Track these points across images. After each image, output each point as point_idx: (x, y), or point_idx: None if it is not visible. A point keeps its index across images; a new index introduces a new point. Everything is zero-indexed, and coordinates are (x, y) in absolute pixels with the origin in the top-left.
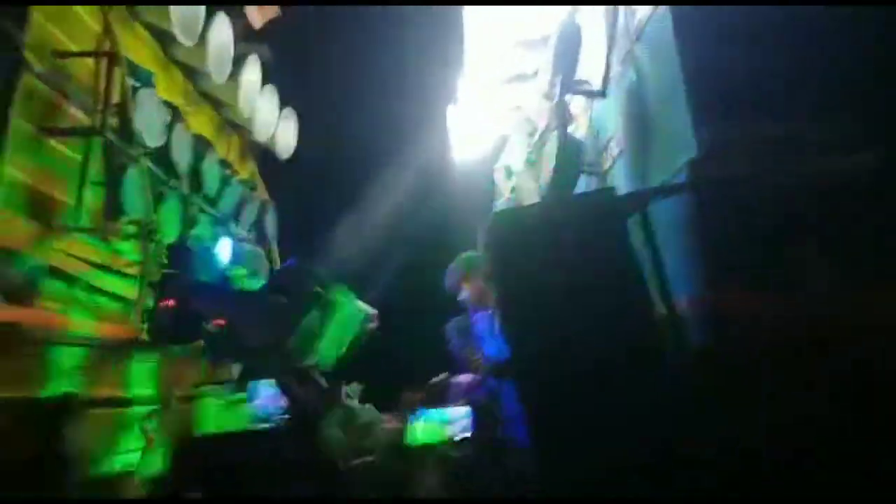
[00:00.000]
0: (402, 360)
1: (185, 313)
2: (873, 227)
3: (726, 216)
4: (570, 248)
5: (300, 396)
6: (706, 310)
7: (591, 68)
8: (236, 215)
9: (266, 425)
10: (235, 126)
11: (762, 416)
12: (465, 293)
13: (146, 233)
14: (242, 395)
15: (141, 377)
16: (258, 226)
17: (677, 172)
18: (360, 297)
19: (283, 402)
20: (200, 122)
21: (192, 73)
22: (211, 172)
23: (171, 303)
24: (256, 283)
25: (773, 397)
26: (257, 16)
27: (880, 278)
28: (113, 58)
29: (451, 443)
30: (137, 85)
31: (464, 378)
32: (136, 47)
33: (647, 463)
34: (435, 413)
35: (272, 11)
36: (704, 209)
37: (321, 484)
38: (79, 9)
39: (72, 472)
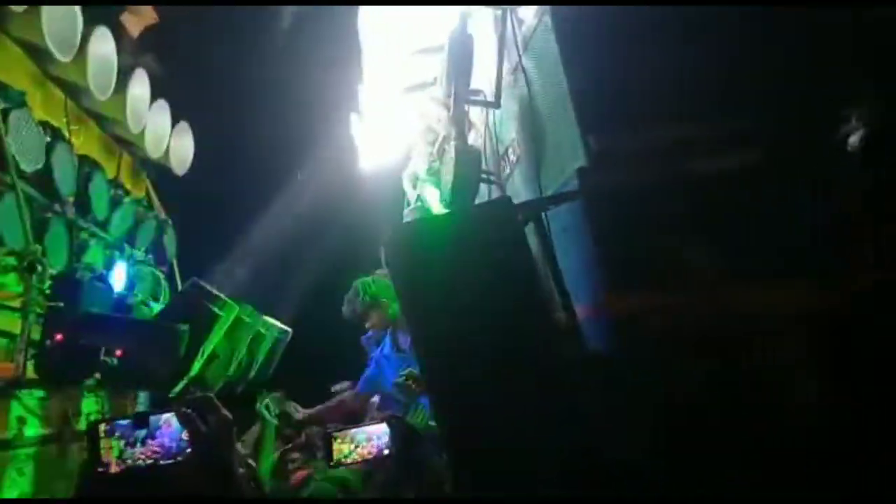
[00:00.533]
0: (319, 379)
1: (76, 347)
2: (756, 223)
3: (615, 221)
4: (471, 258)
5: (201, 429)
6: (601, 315)
7: (485, 77)
8: (131, 237)
9: (168, 461)
10: (125, 143)
11: (654, 417)
12: (370, 321)
13: (27, 264)
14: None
15: (29, 416)
16: (156, 247)
17: (568, 180)
18: (271, 315)
19: (184, 436)
20: (86, 141)
21: (72, 90)
22: (99, 194)
23: (59, 337)
24: (155, 309)
25: (665, 397)
26: (133, 23)
27: (765, 271)
28: None
29: (374, 461)
30: (8, 106)
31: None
32: (6, 65)
33: (554, 470)
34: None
35: (149, 17)
36: (594, 216)
37: None
38: None
39: None
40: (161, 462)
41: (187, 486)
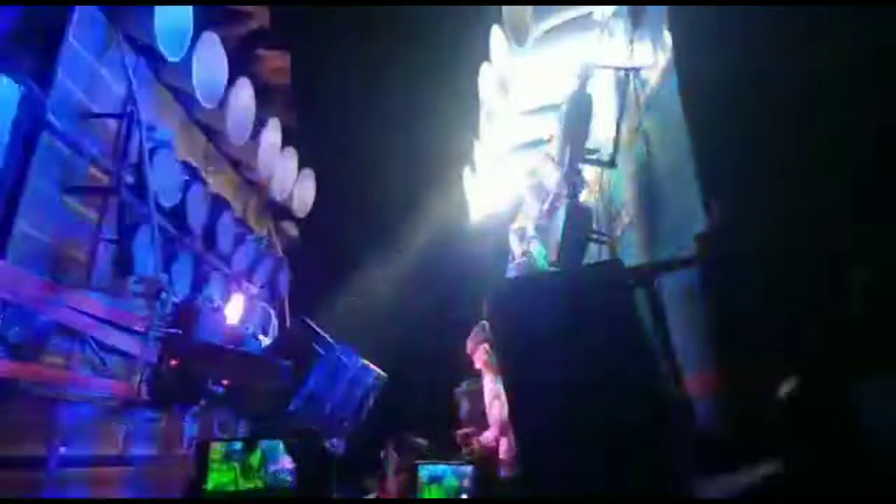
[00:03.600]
0: (413, 419)
1: (188, 374)
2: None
3: (735, 292)
4: (576, 319)
5: (303, 459)
6: (715, 387)
7: (602, 137)
8: (249, 273)
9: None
10: (254, 185)
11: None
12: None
13: (154, 291)
14: (253, 454)
15: (138, 436)
16: (271, 283)
17: (684, 246)
18: (370, 359)
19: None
20: (219, 181)
21: (212, 134)
22: (226, 231)
23: (174, 362)
24: (263, 342)
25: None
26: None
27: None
28: (132, 119)
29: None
30: (155, 146)
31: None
32: (159, 108)
33: None
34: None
35: (283, 73)
36: (713, 285)
37: None
38: (105, 71)
39: None
40: (266, 493)
41: None
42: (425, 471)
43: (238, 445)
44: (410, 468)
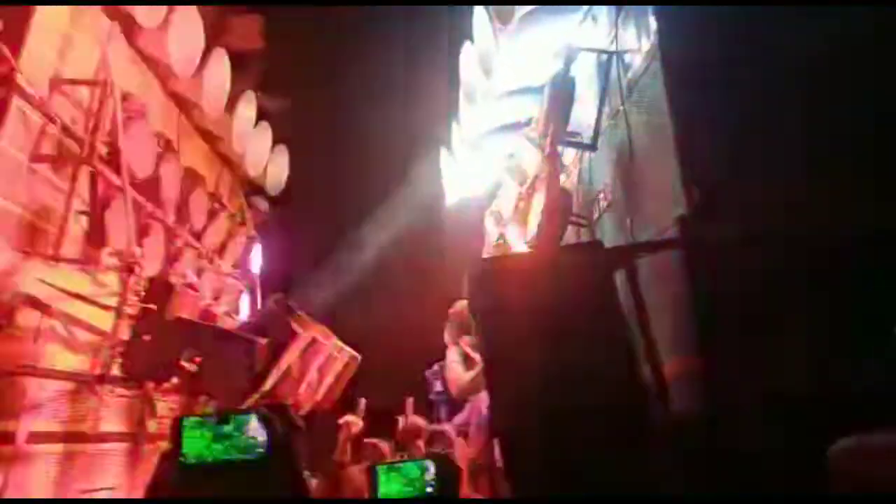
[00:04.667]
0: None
1: (161, 350)
2: (865, 291)
3: (716, 276)
4: (556, 299)
5: (278, 431)
6: (693, 371)
7: (582, 120)
8: (221, 250)
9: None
10: (226, 160)
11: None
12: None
13: (127, 264)
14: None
15: (107, 413)
16: (243, 260)
17: (665, 228)
18: (343, 339)
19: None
20: (192, 155)
21: (187, 106)
22: (199, 206)
23: (147, 338)
24: (237, 320)
25: (755, 463)
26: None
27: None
28: (106, 87)
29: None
30: (129, 116)
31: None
32: (133, 78)
33: None
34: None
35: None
36: (693, 268)
37: None
38: (77, 35)
39: None
40: (241, 458)
41: (259, 484)
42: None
43: (211, 418)
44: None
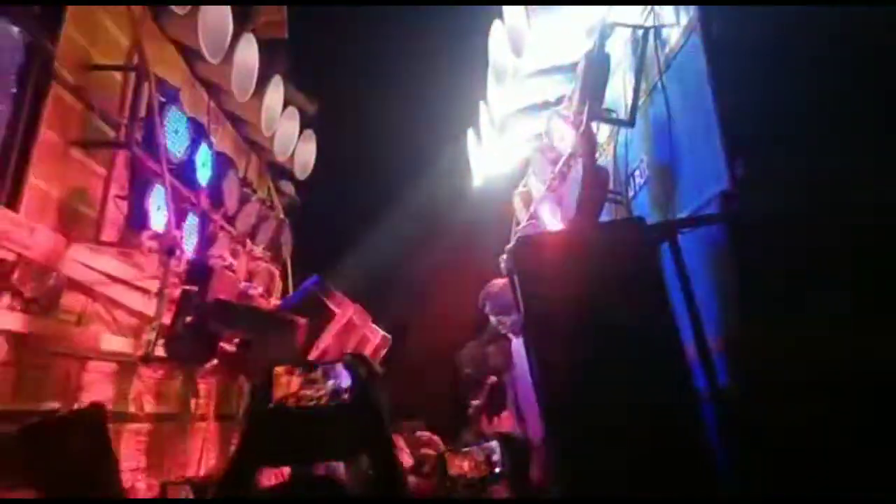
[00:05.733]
0: (416, 384)
1: (203, 331)
2: None
3: (758, 251)
4: (598, 274)
5: (361, 375)
6: (736, 345)
7: (617, 97)
8: (253, 233)
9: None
10: (255, 145)
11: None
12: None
13: (167, 248)
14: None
15: (150, 393)
16: (273, 244)
17: (706, 204)
18: (376, 320)
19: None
20: (223, 139)
21: (216, 91)
22: (231, 190)
23: (188, 320)
24: (270, 302)
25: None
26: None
27: None
28: (141, 72)
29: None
30: (164, 101)
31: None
32: (165, 63)
33: None
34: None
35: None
36: (736, 242)
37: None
38: (110, 23)
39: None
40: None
41: (345, 424)
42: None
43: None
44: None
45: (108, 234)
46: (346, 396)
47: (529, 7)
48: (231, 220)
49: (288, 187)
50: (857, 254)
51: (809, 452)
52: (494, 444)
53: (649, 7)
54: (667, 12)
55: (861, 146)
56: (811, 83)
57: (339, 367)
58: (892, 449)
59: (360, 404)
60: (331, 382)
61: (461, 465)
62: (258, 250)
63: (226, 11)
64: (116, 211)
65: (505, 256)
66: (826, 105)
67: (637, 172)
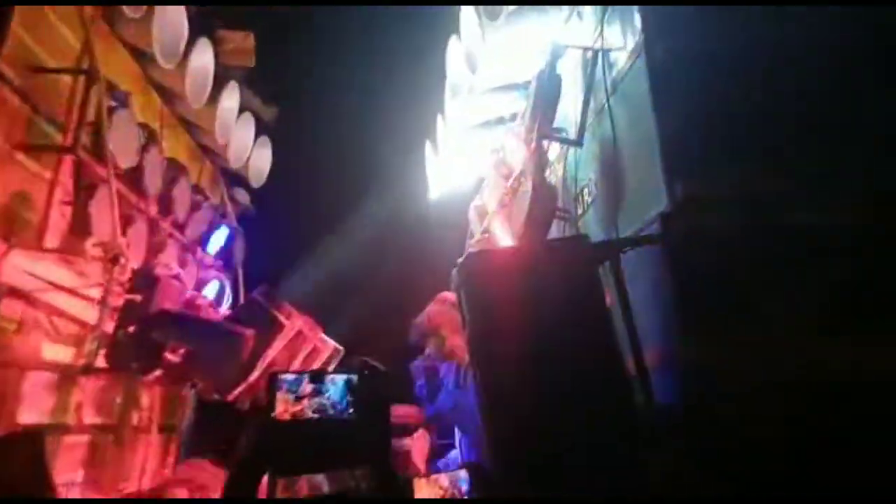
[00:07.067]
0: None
1: (146, 341)
2: (841, 279)
3: (696, 269)
4: (542, 292)
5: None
6: (675, 362)
7: (568, 116)
8: (203, 241)
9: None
10: (209, 151)
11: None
12: (430, 347)
13: (112, 256)
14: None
15: (89, 404)
16: (225, 252)
17: (648, 224)
18: (327, 332)
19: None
20: (175, 145)
21: (169, 96)
22: (182, 196)
23: (131, 329)
24: (220, 312)
25: (747, 452)
26: (229, 44)
27: (846, 328)
28: (91, 76)
29: None
30: (114, 105)
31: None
32: (116, 66)
33: None
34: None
35: (246, 43)
36: (674, 261)
37: None
38: (60, 23)
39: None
40: (327, 416)
41: (352, 441)
42: None
43: (297, 376)
44: None
45: (52, 240)
46: (347, 409)
47: (485, 24)
48: (181, 227)
49: (242, 195)
50: (790, 271)
51: (753, 461)
52: (462, 472)
53: (599, 29)
54: (616, 34)
55: (795, 167)
56: (748, 106)
57: (330, 380)
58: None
59: (373, 416)
60: (326, 396)
61: (430, 493)
62: (209, 258)
63: (181, 14)
64: (60, 217)
65: (453, 272)
66: (762, 126)
67: (585, 191)
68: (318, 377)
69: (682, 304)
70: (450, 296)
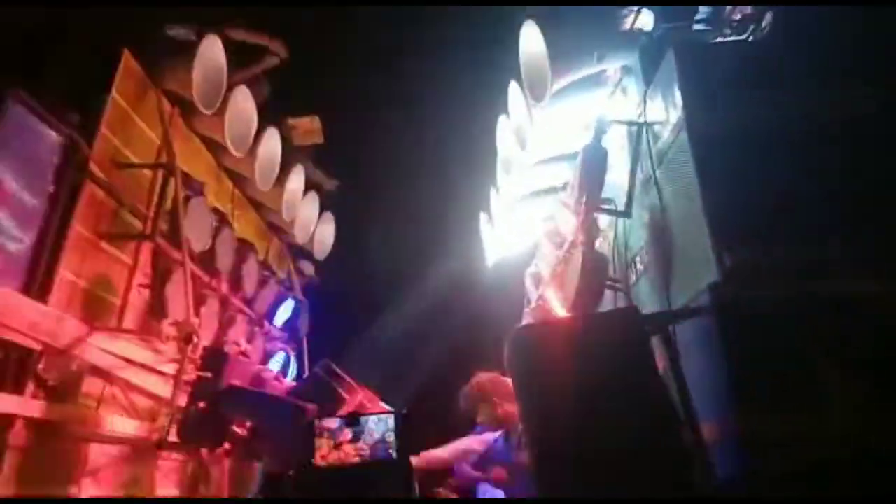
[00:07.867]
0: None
1: (216, 416)
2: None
3: (750, 340)
4: (594, 366)
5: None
6: (732, 436)
7: (616, 185)
8: (271, 315)
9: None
10: (276, 228)
11: None
12: (479, 416)
13: (185, 335)
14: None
15: (166, 477)
16: (291, 325)
17: (699, 294)
18: (388, 402)
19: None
20: (245, 225)
21: (240, 180)
22: (250, 274)
23: (202, 405)
24: (284, 383)
25: None
26: (299, 133)
27: None
28: (169, 169)
29: None
30: (189, 194)
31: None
32: (191, 157)
33: None
34: None
35: (314, 131)
36: (726, 332)
37: None
38: (142, 123)
39: None
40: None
41: (388, 485)
42: None
43: (337, 421)
44: None
45: (130, 320)
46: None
47: (531, 103)
48: (250, 302)
49: (307, 266)
50: (842, 342)
51: None
52: None
53: (642, 104)
54: (658, 108)
55: (838, 237)
56: (793, 175)
57: (367, 424)
58: None
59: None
60: (362, 443)
61: None
62: (275, 331)
63: (251, 105)
64: (139, 298)
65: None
66: (807, 194)
67: (637, 259)
68: (355, 420)
69: (736, 376)
70: (484, 375)
